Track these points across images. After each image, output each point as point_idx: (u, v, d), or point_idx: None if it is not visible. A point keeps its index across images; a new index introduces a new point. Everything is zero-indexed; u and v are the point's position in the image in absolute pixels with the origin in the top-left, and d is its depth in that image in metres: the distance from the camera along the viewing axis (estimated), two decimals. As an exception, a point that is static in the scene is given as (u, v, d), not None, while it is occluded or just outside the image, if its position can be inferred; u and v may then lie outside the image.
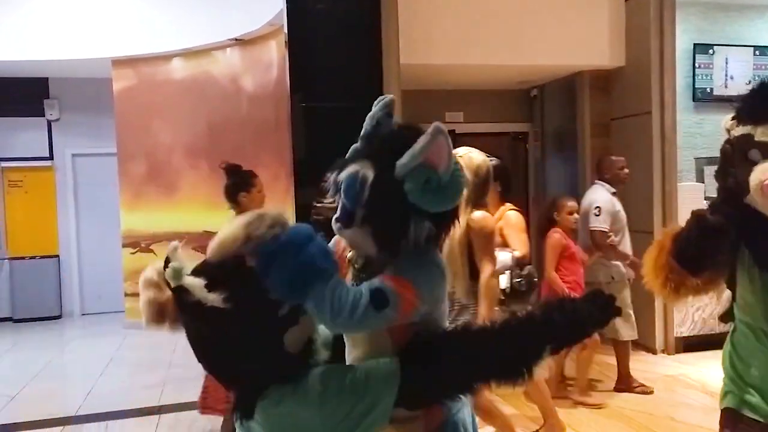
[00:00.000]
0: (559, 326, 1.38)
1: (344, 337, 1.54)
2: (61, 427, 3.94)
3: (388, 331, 1.42)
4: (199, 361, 1.44)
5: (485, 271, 2.77)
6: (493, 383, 1.42)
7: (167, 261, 1.35)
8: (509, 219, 3.41)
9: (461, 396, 1.48)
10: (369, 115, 1.51)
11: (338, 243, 1.61)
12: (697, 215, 1.61)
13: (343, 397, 1.34)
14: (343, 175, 1.42)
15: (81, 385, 4.93)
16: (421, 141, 1.34)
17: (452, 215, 1.47)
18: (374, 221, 1.39)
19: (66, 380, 5.33)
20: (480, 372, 1.40)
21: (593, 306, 1.40)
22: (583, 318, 1.39)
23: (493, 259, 2.85)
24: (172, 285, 1.32)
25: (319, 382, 1.35)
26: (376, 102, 1.51)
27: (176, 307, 1.36)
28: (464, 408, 1.59)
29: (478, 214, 2.82)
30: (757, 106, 1.61)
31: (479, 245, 2.80)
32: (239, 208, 3.37)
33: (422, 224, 1.38)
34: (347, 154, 1.49)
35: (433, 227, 1.40)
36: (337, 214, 1.45)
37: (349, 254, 1.55)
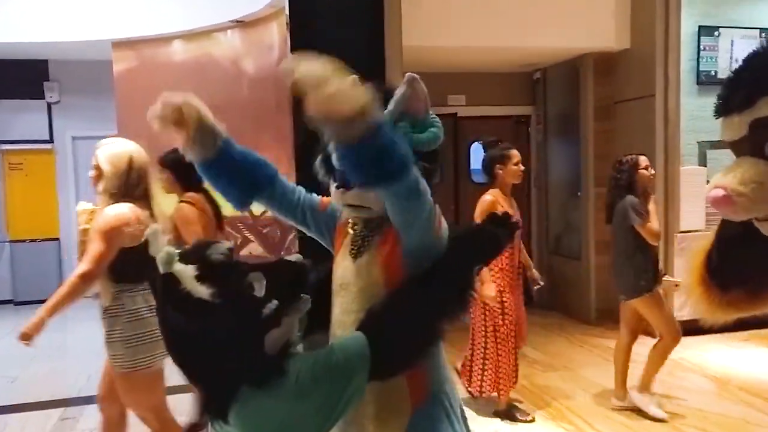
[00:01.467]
0: (478, 247, 1.57)
1: (336, 306, 1.58)
2: (63, 409, 3.96)
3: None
4: (171, 354, 1.37)
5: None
6: (447, 322, 1.49)
7: (147, 244, 1.29)
8: (180, 211, 3.24)
9: (425, 353, 1.50)
10: None
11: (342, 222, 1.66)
12: (722, 220, 1.43)
13: (318, 384, 1.32)
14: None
15: (82, 366, 4.95)
16: (400, 91, 1.48)
17: (437, 156, 1.56)
18: None
19: (67, 362, 5.35)
20: (431, 318, 1.47)
21: (494, 222, 1.66)
22: (492, 233, 1.60)
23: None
24: (162, 270, 1.27)
25: (292, 375, 1.32)
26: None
27: (160, 296, 1.31)
28: (447, 383, 1.60)
29: (113, 208, 2.64)
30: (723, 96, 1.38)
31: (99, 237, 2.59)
32: (495, 181, 3.55)
33: (417, 163, 1.45)
34: None
35: (423, 167, 1.48)
36: (337, 182, 1.53)
37: (350, 221, 1.61)
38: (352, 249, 1.57)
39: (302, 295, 1.41)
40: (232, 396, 1.32)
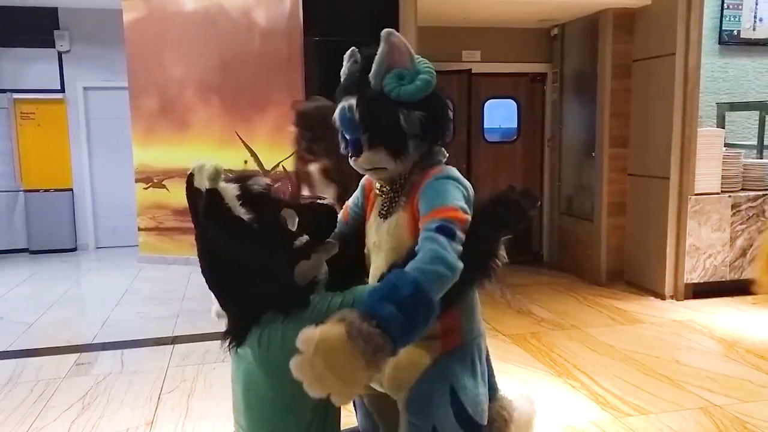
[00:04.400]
0: (502, 217, 1.55)
1: (372, 267, 1.63)
2: (78, 354, 4.05)
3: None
4: (205, 274, 1.44)
5: None
6: (468, 287, 1.53)
7: (191, 177, 1.37)
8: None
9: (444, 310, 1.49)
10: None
11: (367, 184, 1.74)
12: None
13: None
14: (336, 116, 1.58)
15: (97, 314, 5.05)
16: (380, 50, 1.51)
17: (435, 103, 1.55)
18: (374, 134, 1.53)
19: (82, 310, 5.45)
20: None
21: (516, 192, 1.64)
22: (516, 202, 1.58)
23: None
24: (208, 185, 1.34)
25: (316, 307, 1.39)
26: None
27: (202, 212, 1.37)
28: (479, 338, 1.67)
29: None
30: None
31: None
32: None
33: (413, 115, 1.50)
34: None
35: (423, 116, 1.51)
36: (349, 150, 1.59)
37: (377, 184, 1.67)
38: (382, 210, 1.63)
39: (330, 240, 1.48)
40: (256, 319, 1.38)
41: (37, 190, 7.55)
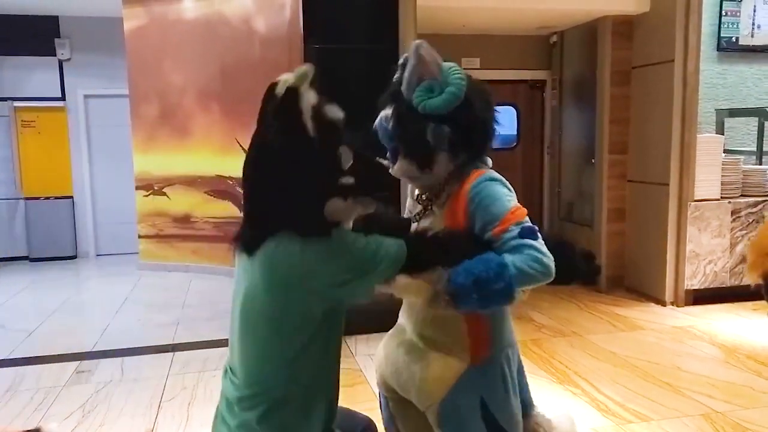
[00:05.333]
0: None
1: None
2: (78, 362, 4.05)
3: None
4: (246, 165, 1.44)
5: None
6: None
7: (273, 85, 1.39)
8: None
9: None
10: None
11: (412, 191, 1.76)
12: None
13: (348, 253, 1.40)
14: (375, 124, 1.63)
15: (97, 322, 5.04)
16: (409, 63, 1.54)
17: (466, 115, 1.54)
18: (404, 146, 1.57)
19: (82, 317, 5.45)
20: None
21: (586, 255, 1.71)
22: (571, 262, 1.63)
23: None
24: (292, 82, 1.36)
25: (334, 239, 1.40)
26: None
27: (272, 103, 1.38)
28: (510, 349, 1.66)
29: None
30: None
31: None
32: None
33: (441, 128, 1.51)
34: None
35: (450, 130, 1.52)
36: (388, 158, 1.64)
37: (416, 192, 1.71)
38: (416, 215, 1.66)
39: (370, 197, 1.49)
40: (272, 232, 1.38)
41: (38, 198, 7.56)
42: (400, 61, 1.61)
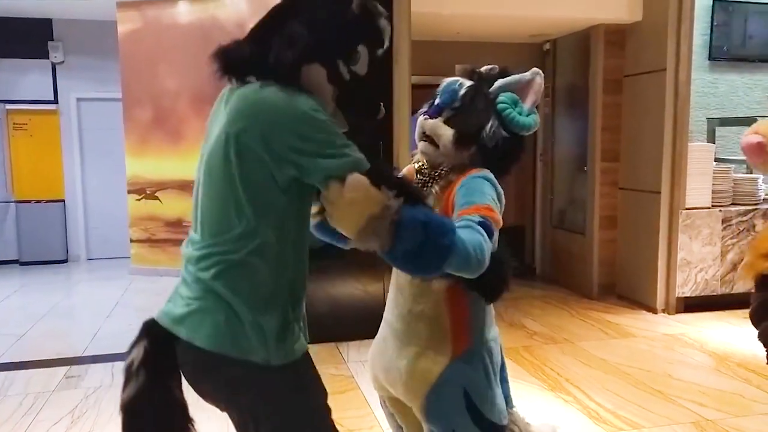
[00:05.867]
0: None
1: (395, 290, 1.69)
2: (68, 367, 4.02)
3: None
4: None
5: None
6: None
7: None
8: None
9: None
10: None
11: (409, 171, 1.75)
12: None
13: (313, 127, 1.32)
14: (443, 83, 1.68)
15: (88, 326, 5.01)
16: (522, 75, 1.63)
17: (515, 146, 1.63)
18: (458, 114, 1.61)
19: (73, 322, 5.41)
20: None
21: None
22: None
23: None
24: None
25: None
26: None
27: None
28: (491, 342, 1.68)
29: None
30: None
31: None
32: None
33: (498, 130, 1.58)
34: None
35: (502, 139, 1.59)
36: (426, 110, 1.67)
37: (417, 164, 1.71)
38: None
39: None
40: (254, 73, 1.40)
41: (29, 201, 7.51)
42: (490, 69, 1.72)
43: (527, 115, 1.61)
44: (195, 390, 1.43)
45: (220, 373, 1.36)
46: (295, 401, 1.38)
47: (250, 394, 1.36)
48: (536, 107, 1.66)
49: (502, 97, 1.60)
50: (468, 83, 1.65)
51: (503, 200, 1.59)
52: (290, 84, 1.33)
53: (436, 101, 1.66)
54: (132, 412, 1.39)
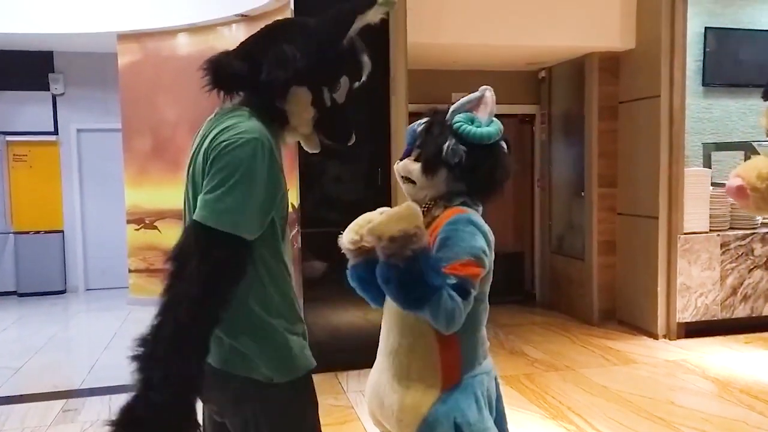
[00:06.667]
0: None
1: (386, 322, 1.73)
2: (65, 400, 3.98)
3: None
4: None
5: None
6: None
7: None
8: None
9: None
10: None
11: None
12: None
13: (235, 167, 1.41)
14: (408, 128, 1.78)
15: (85, 358, 4.97)
16: (471, 95, 1.68)
17: (485, 157, 1.64)
18: (421, 146, 1.67)
19: (70, 354, 5.37)
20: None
21: None
22: None
23: None
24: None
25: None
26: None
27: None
28: (483, 375, 1.68)
29: None
30: None
31: None
32: None
33: (456, 146, 1.61)
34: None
35: (465, 154, 1.61)
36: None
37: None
38: None
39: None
40: (244, 89, 1.51)
41: (27, 232, 7.51)
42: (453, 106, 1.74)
43: (487, 126, 1.65)
44: (200, 399, 1.49)
45: (228, 389, 1.46)
46: (293, 417, 1.47)
47: (254, 406, 1.45)
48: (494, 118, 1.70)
49: (456, 118, 1.66)
50: (424, 121, 1.73)
51: (491, 237, 1.62)
52: (273, 106, 1.44)
53: (406, 145, 1.74)
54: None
